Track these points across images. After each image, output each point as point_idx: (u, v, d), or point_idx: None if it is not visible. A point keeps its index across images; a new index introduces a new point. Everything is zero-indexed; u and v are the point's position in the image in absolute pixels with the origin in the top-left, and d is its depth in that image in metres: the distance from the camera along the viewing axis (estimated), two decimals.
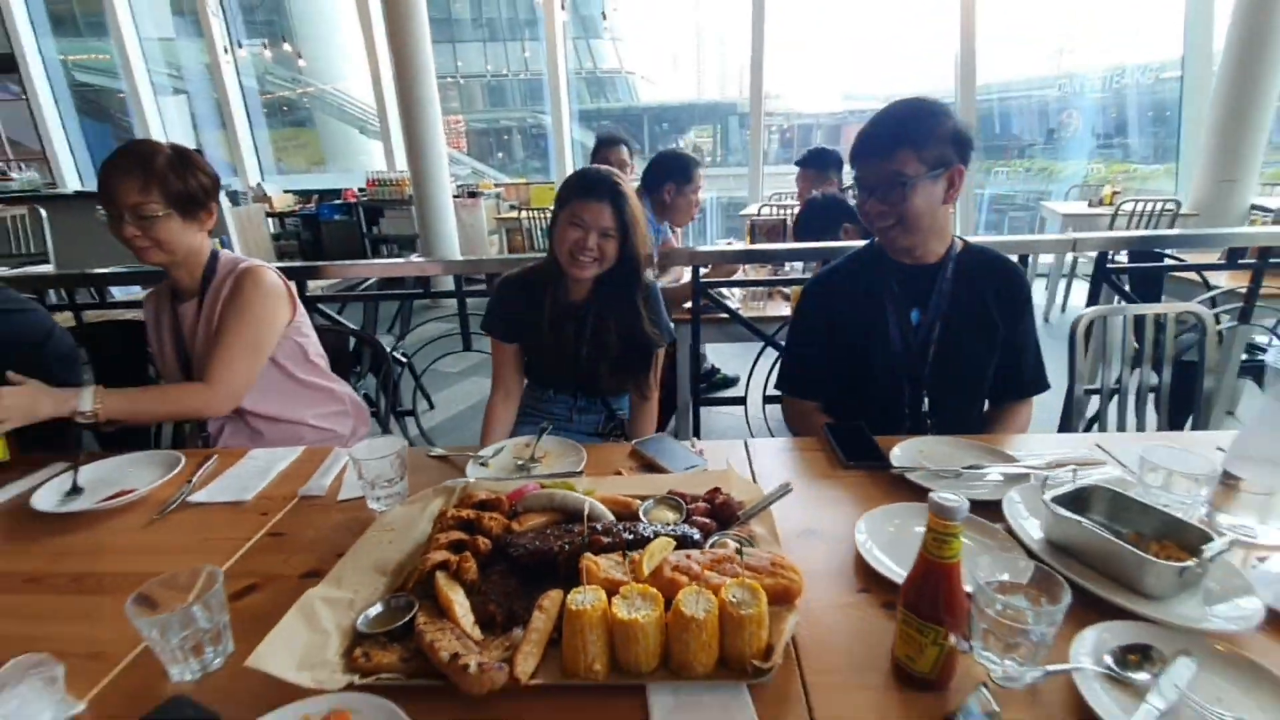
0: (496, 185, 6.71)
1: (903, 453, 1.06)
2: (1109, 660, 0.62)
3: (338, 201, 6.59)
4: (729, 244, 2.84)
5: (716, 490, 0.91)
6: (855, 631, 0.70)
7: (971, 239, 1.33)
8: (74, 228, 4.51)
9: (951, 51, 5.51)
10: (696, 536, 0.80)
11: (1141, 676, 0.60)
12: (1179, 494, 0.82)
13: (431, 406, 2.81)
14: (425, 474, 1.08)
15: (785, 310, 2.09)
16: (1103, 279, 1.84)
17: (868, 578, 0.78)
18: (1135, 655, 0.63)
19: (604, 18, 10.79)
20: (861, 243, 1.47)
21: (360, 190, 6.58)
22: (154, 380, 1.65)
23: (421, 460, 1.13)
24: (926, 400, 1.31)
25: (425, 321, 2.43)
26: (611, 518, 0.86)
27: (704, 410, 2.84)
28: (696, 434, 2.05)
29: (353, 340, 1.79)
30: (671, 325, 1.50)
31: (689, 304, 2.02)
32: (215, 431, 1.41)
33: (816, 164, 2.92)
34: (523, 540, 0.80)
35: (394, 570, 0.80)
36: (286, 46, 7.82)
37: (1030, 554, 0.79)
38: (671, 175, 2.36)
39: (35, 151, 7.91)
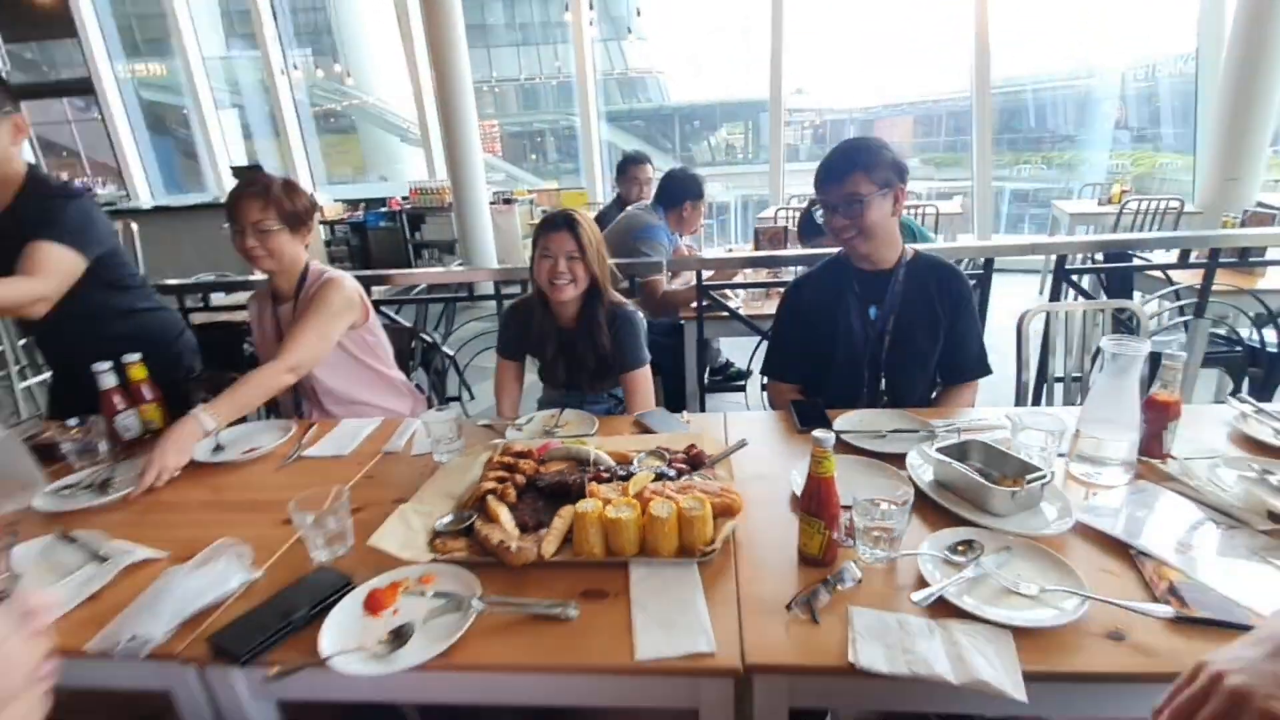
0: (530, 191, 7.08)
1: (845, 421, 1.35)
2: (944, 549, 0.91)
3: (383, 209, 7.05)
4: (730, 250, 3.11)
5: (693, 445, 1.21)
6: (778, 537, 0.99)
7: (928, 247, 1.60)
8: (152, 239, 5.02)
9: (970, 43, 5.61)
10: (671, 474, 1.10)
11: (963, 560, 0.89)
12: (1036, 445, 1.09)
13: (472, 397, 3.15)
14: (474, 437, 1.41)
15: None
16: (1062, 279, 2.07)
17: (794, 505, 1.07)
18: (963, 546, 0.91)
19: (638, 14, 11.01)
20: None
21: (404, 199, 7.02)
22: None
23: (471, 427, 1.45)
24: (884, 381, 1.59)
25: (467, 321, 2.77)
26: (612, 463, 1.17)
27: (715, 396, 3.13)
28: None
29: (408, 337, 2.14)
30: (646, 353, 1.71)
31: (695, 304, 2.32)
32: (307, 413, 1.76)
33: None
34: (548, 476, 1.12)
35: (457, 497, 1.12)
36: (337, 66, 8.31)
37: (918, 489, 1.07)
38: (689, 193, 2.67)
39: (111, 167, 8.61)
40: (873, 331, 1.56)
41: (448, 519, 1.04)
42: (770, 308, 2.41)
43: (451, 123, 5.28)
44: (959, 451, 1.10)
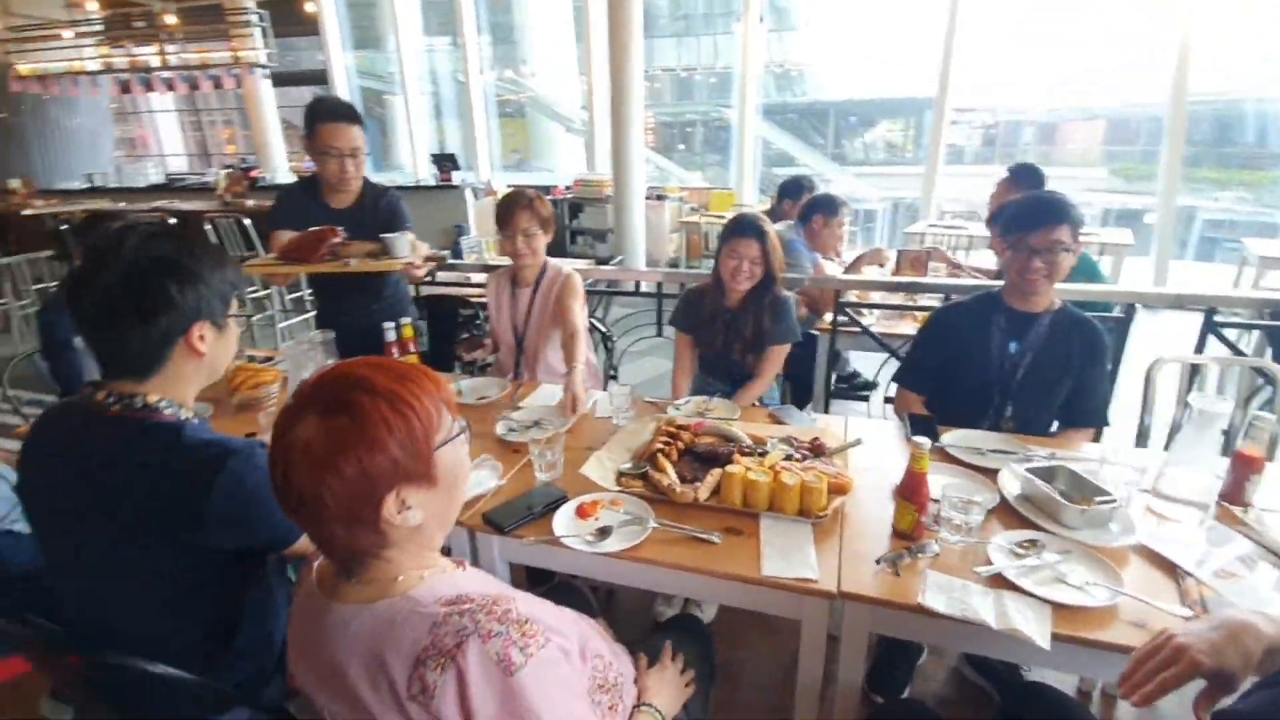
0: (681, 189, 7.48)
1: (953, 437, 1.58)
2: (1013, 543, 1.16)
3: (549, 197, 7.78)
4: (874, 252, 3.25)
5: (816, 438, 1.52)
6: (877, 514, 1.28)
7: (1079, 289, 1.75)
8: None
9: (1173, 45, 5.14)
10: (797, 456, 1.42)
11: (1026, 553, 1.13)
12: (1120, 479, 1.28)
13: (616, 378, 3.58)
14: (643, 409, 1.81)
15: (913, 331, 2.55)
16: (1209, 331, 2.07)
17: (895, 494, 1.35)
18: (1029, 544, 1.15)
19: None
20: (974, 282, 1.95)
21: (567, 188, 7.72)
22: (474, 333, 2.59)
23: (640, 403, 1.86)
24: (1010, 408, 1.78)
25: (626, 314, 3.18)
26: (750, 442, 1.51)
27: (839, 402, 3.34)
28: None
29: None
30: (797, 329, 2.09)
31: (830, 316, 2.57)
32: (522, 376, 2.24)
33: (1025, 179, 2.78)
34: (702, 445, 1.49)
35: (633, 450, 1.53)
36: (522, 64, 9.16)
37: (1003, 499, 1.31)
38: (821, 209, 2.92)
39: None
40: (1008, 363, 1.74)
41: (628, 465, 1.45)
42: (904, 328, 2.61)
43: (620, 115, 5.71)
44: (1047, 473, 1.32)
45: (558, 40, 11.26)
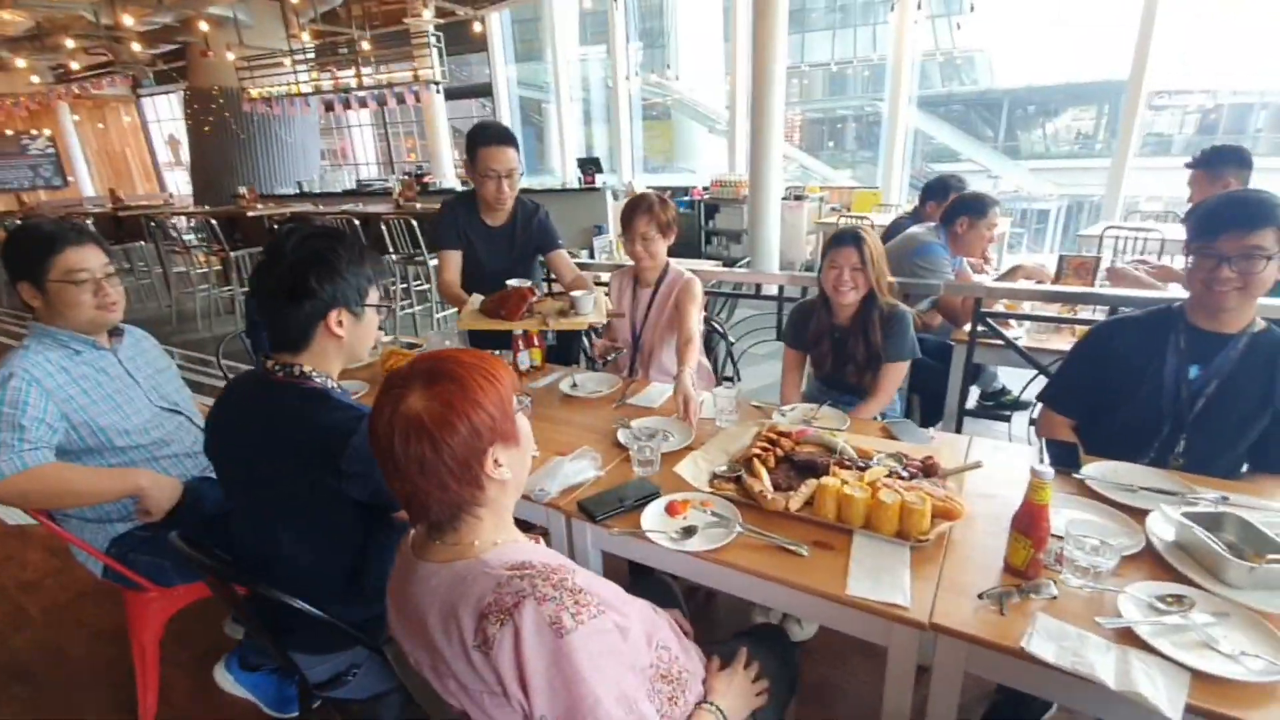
0: (821, 189, 7.21)
1: (1096, 470, 1.40)
2: (1153, 596, 1.00)
3: (685, 198, 7.88)
4: (1032, 269, 2.92)
5: (930, 457, 1.42)
6: (989, 545, 1.18)
7: None
8: None
9: None
10: (904, 474, 1.34)
11: (1169, 609, 0.98)
12: None
13: (739, 379, 3.56)
14: (747, 413, 1.80)
15: (1068, 346, 2.26)
16: None
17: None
18: (1174, 599, 0.99)
19: None
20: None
21: (704, 189, 7.75)
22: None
23: (745, 405, 1.84)
24: (1183, 443, 1.53)
25: (749, 315, 3.16)
26: (854, 455, 1.45)
27: (977, 422, 3.06)
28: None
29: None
30: (915, 345, 1.96)
31: (969, 326, 2.36)
32: (635, 374, 2.33)
33: (1212, 164, 2.37)
34: (802, 455, 1.45)
35: (731, 454, 1.52)
36: (666, 66, 9.33)
37: (1150, 545, 1.14)
38: (966, 210, 2.67)
39: None
40: (1186, 391, 1.50)
41: (724, 467, 1.45)
42: (1058, 343, 2.33)
43: (759, 115, 5.65)
44: (1211, 520, 1.13)
45: (705, 42, 11.33)
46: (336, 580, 1.21)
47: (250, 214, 6.17)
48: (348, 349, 1.22)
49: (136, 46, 7.58)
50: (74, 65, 10.05)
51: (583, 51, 11.19)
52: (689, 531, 1.24)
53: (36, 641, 2.07)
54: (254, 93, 8.49)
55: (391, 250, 4.99)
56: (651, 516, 1.30)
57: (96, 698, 1.84)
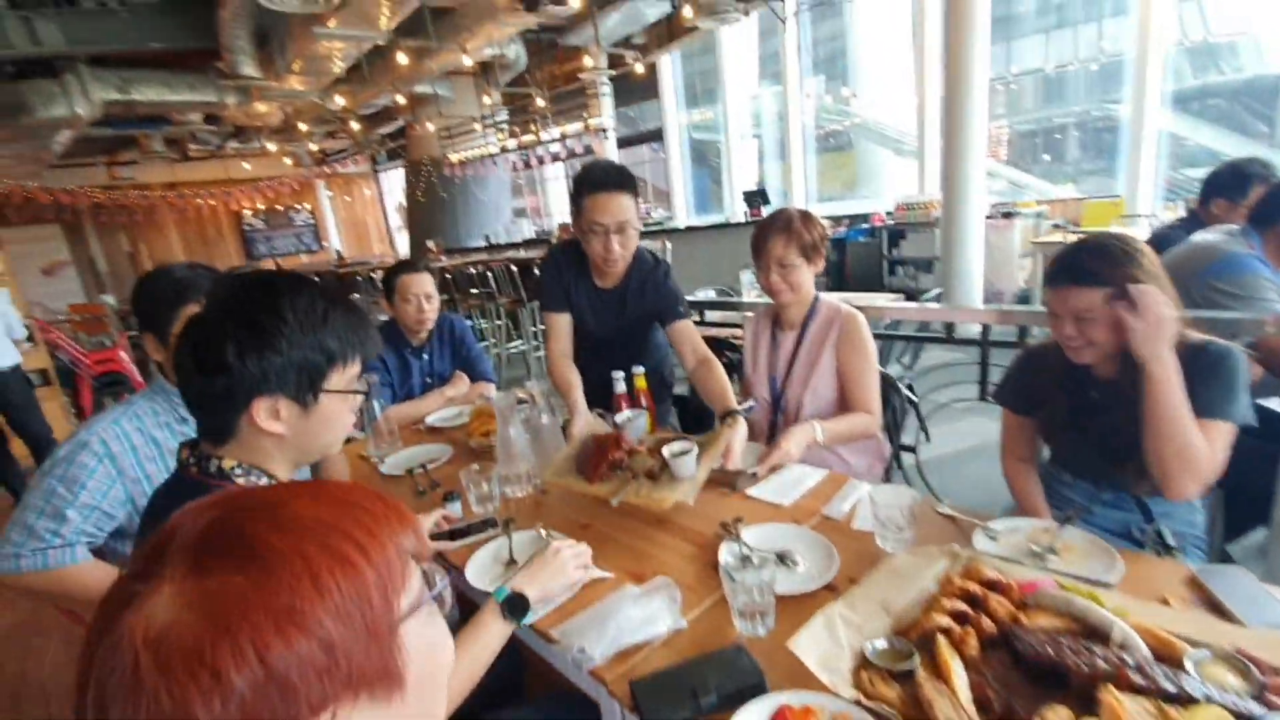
0: (1040, 203, 5.94)
1: None
2: None
3: (865, 225, 7.04)
4: None
5: None
6: None
7: None
8: (678, 254, 6.20)
9: None
10: (1256, 714, 0.64)
11: None
12: None
13: (928, 440, 2.76)
14: (931, 526, 1.16)
15: None
16: None
17: None
18: None
19: None
20: None
21: (887, 214, 6.85)
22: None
23: (929, 513, 1.20)
24: None
25: (938, 366, 2.41)
26: (1147, 653, 0.76)
27: None
28: None
29: None
30: (1248, 405, 1.14)
31: None
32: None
33: None
34: (1033, 638, 0.80)
35: (897, 612, 0.92)
36: (844, 89, 8.66)
37: None
38: None
39: (664, 193, 11.16)
40: None
41: (882, 644, 0.85)
42: None
43: (955, 127, 4.79)
44: None
45: (890, 62, 10.40)
46: None
47: (434, 264, 6.67)
48: (295, 447, 0.86)
49: (355, 125, 8.81)
50: (323, 148, 12.11)
51: (759, 90, 10.88)
52: None
53: None
54: (453, 158, 9.41)
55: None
56: None
57: None
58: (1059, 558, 1.02)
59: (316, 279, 0.89)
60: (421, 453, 1.83)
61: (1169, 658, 0.76)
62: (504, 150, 9.11)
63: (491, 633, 0.94)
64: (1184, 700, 0.68)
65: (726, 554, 1.09)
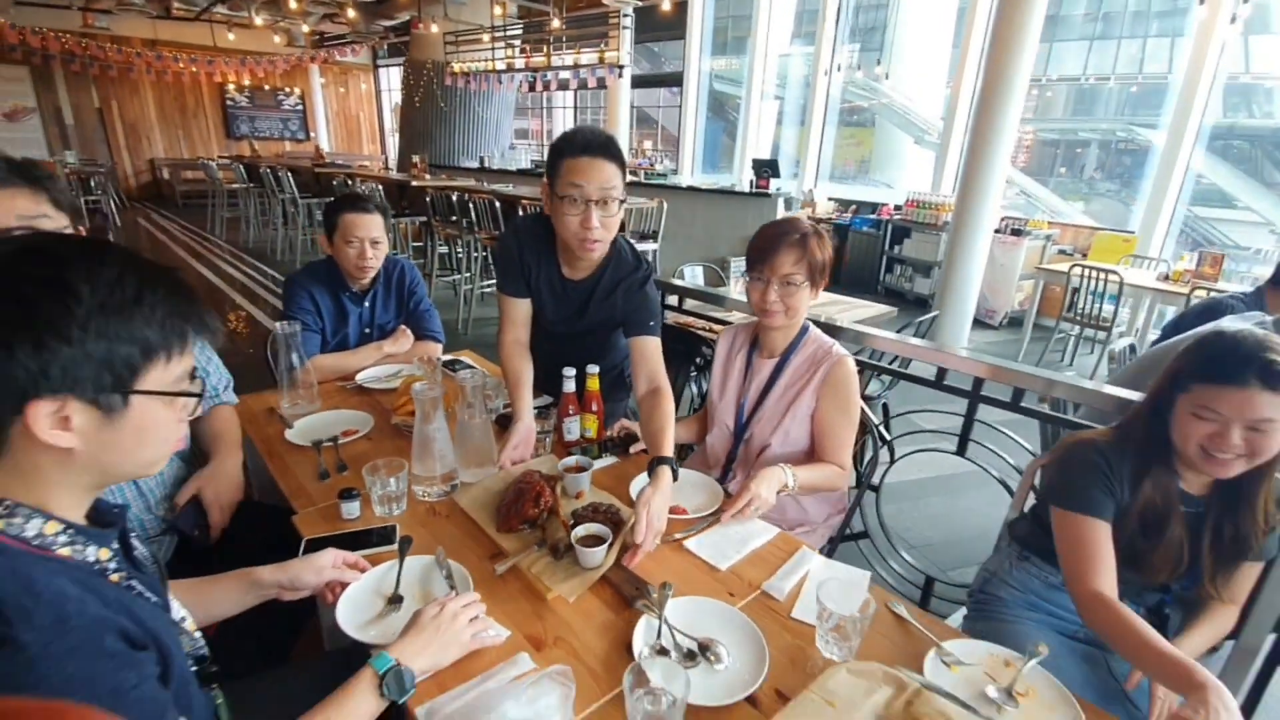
0: (1051, 225, 5.74)
1: None
2: None
3: (871, 216, 6.79)
4: None
5: None
6: None
7: None
8: (674, 214, 5.89)
9: None
10: None
11: None
12: None
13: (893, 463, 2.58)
14: (879, 626, 1.02)
15: None
16: None
17: None
18: None
19: None
20: None
21: (896, 208, 6.60)
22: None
23: (883, 612, 1.05)
24: None
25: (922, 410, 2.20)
26: None
27: None
28: (1255, 697, 1.38)
29: None
30: None
31: None
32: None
33: None
34: None
35: None
36: (878, 65, 8.22)
37: None
38: None
39: (673, 139, 10.66)
40: None
41: None
42: None
43: (984, 127, 4.51)
44: None
45: (930, 43, 9.88)
46: None
47: (414, 184, 6.26)
48: (93, 466, 0.65)
49: (352, 13, 8.15)
50: (319, 30, 11.26)
51: (790, 49, 10.31)
52: None
53: None
54: (456, 67, 8.80)
55: None
56: None
57: None
58: (1015, 706, 0.88)
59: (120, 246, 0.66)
60: (338, 419, 1.63)
61: None
62: (510, 69, 8.52)
63: (362, 712, 0.78)
64: None
65: (642, 641, 0.93)
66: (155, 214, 10.64)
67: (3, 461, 0.61)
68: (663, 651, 0.90)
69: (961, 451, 1.80)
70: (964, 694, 0.89)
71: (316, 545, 1.11)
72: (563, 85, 8.02)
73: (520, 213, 4.53)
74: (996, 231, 5.29)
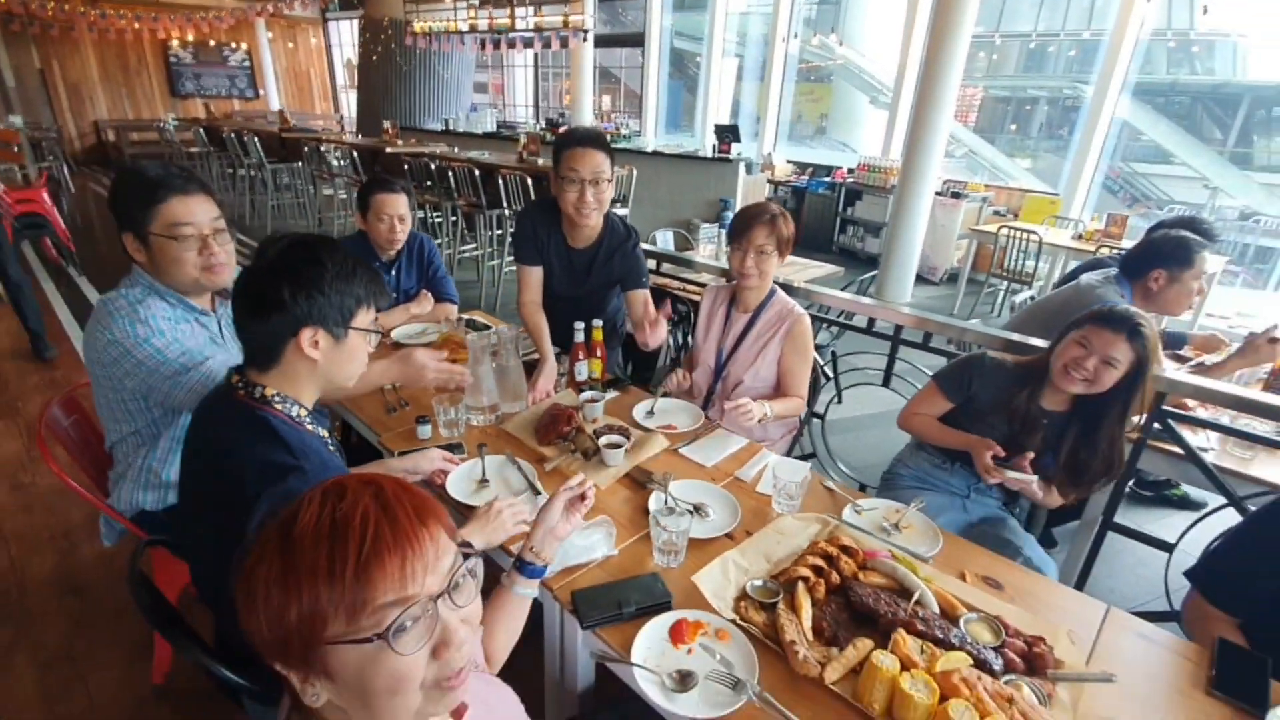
0: (987, 188, 6.28)
1: None
2: None
3: (827, 179, 7.22)
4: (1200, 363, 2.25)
5: (1041, 639, 1.04)
6: None
7: None
8: (642, 180, 6.16)
9: None
10: (995, 666, 0.99)
11: None
12: None
13: (840, 402, 3.08)
14: (817, 496, 1.48)
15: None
16: None
17: None
18: None
19: None
20: None
21: (849, 171, 7.04)
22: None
23: (816, 486, 1.51)
24: None
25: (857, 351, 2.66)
26: (936, 610, 1.10)
27: (1135, 511, 2.52)
28: (1093, 557, 1.93)
29: None
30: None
31: (1141, 419, 1.82)
32: (714, 416, 1.99)
33: None
34: (863, 591, 1.12)
35: (775, 560, 1.23)
36: (832, 34, 8.50)
37: None
38: (1164, 260, 2.06)
39: (636, 96, 10.79)
40: None
41: (759, 584, 1.16)
42: (1261, 469, 1.75)
43: (926, 91, 4.87)
44: None
45: (886, 3, 10.16)
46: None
47: (389, 150, 6.39)
48: (324, 374, 1.07)
49: None
50: None
51: (747, 4, 10.45)
52: (685, 683, 0.98)
53: (96, 557, 2.22)
54: (417, 27, 8.73)
55: (506, 206, 4.96)
56: (650, 637, 1.05)
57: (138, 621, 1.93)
58: (901, 534, 1.36)
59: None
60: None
61: (951, 616, 1.10)
62: (474, 29, 8.51)
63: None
64: (947, 645, 1.01)
65: (655, 502, 1.37)
66: (106, 178, 10.35)
67: (279, 369, 1.04)
68: (671, 508, 1.34)
69: (886, 383, 2.28)
70: (867, 528, 1.36)
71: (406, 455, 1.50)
72: (527, 44, 8.09)
73: (500, 180, 4.79)
74: (938, 194, 5.78)
